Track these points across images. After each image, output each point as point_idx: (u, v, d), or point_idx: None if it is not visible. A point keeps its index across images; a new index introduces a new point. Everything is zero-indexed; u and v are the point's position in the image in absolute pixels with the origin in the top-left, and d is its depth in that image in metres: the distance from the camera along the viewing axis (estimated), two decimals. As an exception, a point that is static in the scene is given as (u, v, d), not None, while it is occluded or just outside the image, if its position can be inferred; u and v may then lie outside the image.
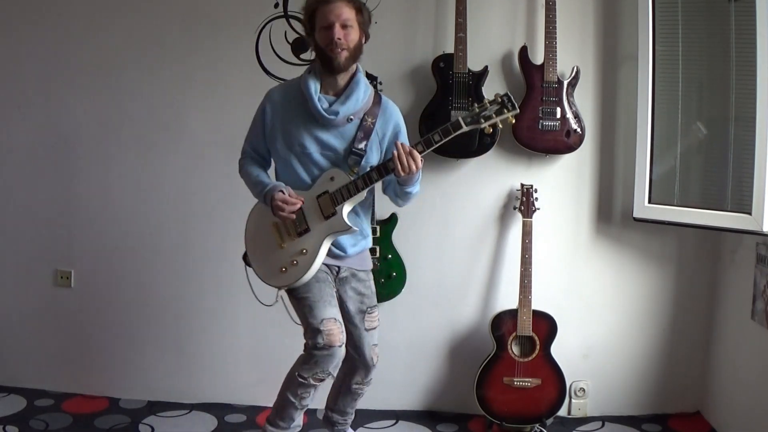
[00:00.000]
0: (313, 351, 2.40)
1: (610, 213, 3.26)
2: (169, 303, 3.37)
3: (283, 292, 2.50)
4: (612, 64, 3.19)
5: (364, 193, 2.44)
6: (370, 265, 2.68)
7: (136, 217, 3.33)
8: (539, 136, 3.07)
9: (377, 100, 2.50)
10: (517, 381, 3.10)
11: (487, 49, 3.14)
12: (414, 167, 2.32)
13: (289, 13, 3.20)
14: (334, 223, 2.43)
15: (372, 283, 2.67)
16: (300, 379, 2.46)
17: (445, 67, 3.06)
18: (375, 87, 3.09)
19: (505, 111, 2.33)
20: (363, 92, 2.46)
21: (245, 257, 2.56)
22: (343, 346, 2.44)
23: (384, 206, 3.19)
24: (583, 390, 3.32)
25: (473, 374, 3.16)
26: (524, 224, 3.10)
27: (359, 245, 2.58)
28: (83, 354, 3.42)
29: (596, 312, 3.31)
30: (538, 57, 3.09)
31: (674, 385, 3.34)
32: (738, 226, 2.75)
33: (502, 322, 3.12)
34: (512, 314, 3.11)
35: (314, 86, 2.42)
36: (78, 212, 3.36)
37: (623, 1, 3.13)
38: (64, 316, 3.41)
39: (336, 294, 2.55)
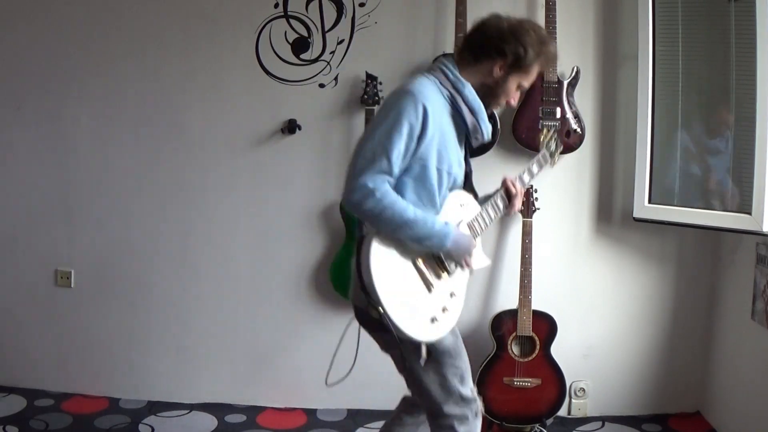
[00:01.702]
0: (476, 422, 2.11)
1: (610, 213, 3.26)
2: (169, 303, 3.37)
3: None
4: (612, 64, 3.19)
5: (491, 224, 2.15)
6: None
7: (137, 217, 3.33)
8: (539, 136, 3.06)
9: None
10: (517, 381, 3.10)
11: (487, 49, 3.14)
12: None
13: (289, 13, 3.20)
14: (478, 258, 2.12)
15: None
16: None
17: (445, 67, 3.06)
18: (375, 86, 3.09)
19: (558, 148, 2.45)
20: None
21: (378, 308, 1.91)
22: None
23: (384, 206, 3.19)
24: (583, 390, 3.32)
25: (473, 374, 3.15)
26: (524, 224, 3.10)
27: None
28: (83, 354, 3.42)
29: (596, 312, 3.31)
30: (538, 57, 3.08)
31: (674, 385, 3.34)
32: (738, 226, 2.75)
33: (502, 322, 3.12)
34: (512, 314, 3.11)
35: (479, 100, 2.06)
36: (78, 212, 3.36)
37: (623, 1, 3.13)
38: (64, 316, 3.41)
39: None
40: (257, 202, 3.28)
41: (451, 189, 2.07)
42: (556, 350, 3.13)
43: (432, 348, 2.01)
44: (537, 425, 3.14)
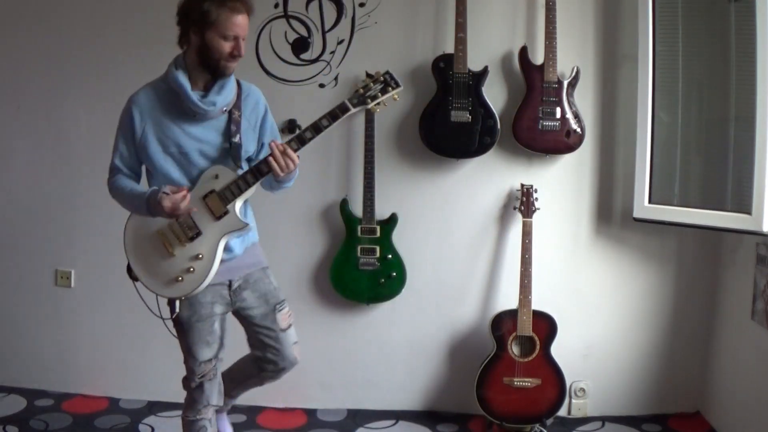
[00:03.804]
0: (194, 390, 2.52)
1: (610, 213, 3.26)
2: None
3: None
4: (612, 64, 3.19)
5: (254, 189, 2.34)
6: (264, 260, 2.55)
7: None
8: (539, 137, 3.07)
9: (239, 89, 2.41)
10: (517, 381, 3.10)
11: (487, 49, 3.14)
12: (291, 165, 2.27)
13: (289, 13, 3.20)
14: (228, 223, 2.31)
15: (272, 278, 2.55)
16: (193, 415, 2.52)
17: (445, 67, 3.06)
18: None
19: (390, 89, 2.35)
20: (233, 83, 2.37)
21: (129, 271, 2.40)
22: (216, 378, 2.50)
23: (384, 206, 3.19)
24: (583, 390, 3.32)
25: (473, 374, 3.16)
26: (524, 224, 3.10)
27: (246, 239, 2.46)
28: (83, 354, 3.42)
29: (596, 312, 3.31)
30: (538, 57, 3.09)
31: (674, 385, 3.34)
32: (738, 226, 2.75)
33: (502, 322, 3.12)
34: (512, 314, 3.11)
35: (185, 80, 2.29)
36: (78, 212, 3.36)
37: (623, 1, 3.13)
38: (64, 316, 3.41)
39: (233, 312, 2.51)
40: (257, 202, 3.27)
41: (211, 162, 2.33)
42: (556, 350, 3.13)
43: (180, 313, 2.41)
44: (537, 425, 3.14)
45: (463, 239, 3.28)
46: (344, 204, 3.19)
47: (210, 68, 2.29)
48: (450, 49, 3.07)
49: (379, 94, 2.34)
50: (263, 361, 2.59)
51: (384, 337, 3.34)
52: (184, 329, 2.45)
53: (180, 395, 3.37)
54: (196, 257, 2.31)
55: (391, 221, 3.20)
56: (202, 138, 2.33)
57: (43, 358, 3.44)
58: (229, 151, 2.33)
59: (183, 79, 2.29)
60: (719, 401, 3.22)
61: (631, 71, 3.06)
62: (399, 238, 3.21)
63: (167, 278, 2.33)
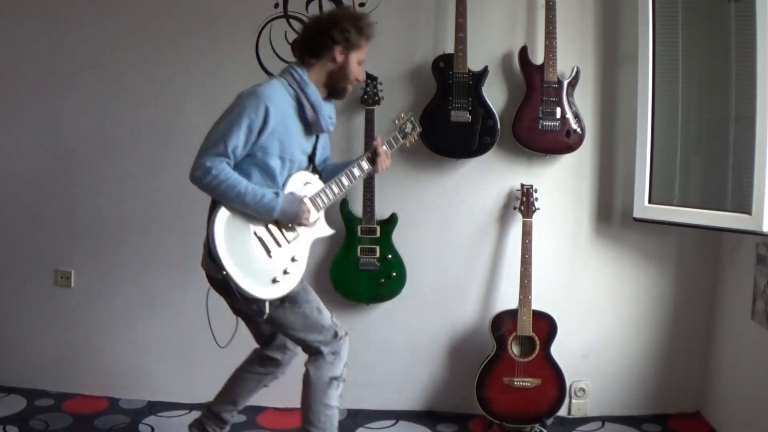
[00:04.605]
0: (340, 342, 2.51)
1: (610, 213, 3.26)
2: (169, 303, 3.38)
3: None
4: (612, 64, 3.19)
5: (344, 194, 2.50)
6: None
7: (136, 217, 3.33)
8: (539, 136, 3.07)
9: None
10: (517, 381, 3.10)
11: (487, 49, 3.14)
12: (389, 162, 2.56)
13: (289, 13, 3.20)
14: (319, 228, 2.46)
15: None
16: (337, 381, 2.52)
17: (445, 67, 3.06)
18: (375, 86, 3.10)
19: (414, 130, 2.68)
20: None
21: (223, 272, 2.27)
22: None
23: (384, 206, 3.19)
24: (583, 390, 3.32)
25: (473, 374, 3.16)
26: (524, 224, 3.10)
27: None
28: (83, 354, 3.42)
29: (596, 312, 3.31)
30: (538, 57, 3.09)
31: (674, 385, 3.34)
32: (738, 226, 2.75)
33: (502, 322, 3.12)
34: (512, 314, 3.11)
35: (321, 99, 2.41)
36: (78, 212, 3.36)
37: (623, 1, 3.13)
38: (64, 316, 3.41)
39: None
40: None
41: (298, 170, 2.42)
42: (556, 350, 3.13)
43: (290, 299, 2.40)
44: (537, 425, 3.14)
45: (463, 239, 3.28)
46: (344, 204, 3.19)
47: (335, 89, 2.44)
48: (450, 49, 3.07)
49: (410, 132, 2.68)
50: (270, 361, 2.70)
51: (384, 337, 3.34)
52: (301, 299, 2.46)
53: (180, 395, 3.39)
54: (292, 259, 2.38)
55: (391, 221, 3.20)
56: (306, 150, 2.46)
57: (43, 358, 3.44)
58: (310, 161, 2.49)
59: (319, 97, 2.40)
60: (719, 401, 3.22)
61: (631, 71, 3.06)
62: (399, 238, 3.21)
63: (265, 279, 2.32)
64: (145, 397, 3.39)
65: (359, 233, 3.16)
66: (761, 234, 2.68)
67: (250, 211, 2.30)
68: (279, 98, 2.33)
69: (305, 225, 2.38)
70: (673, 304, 3.30)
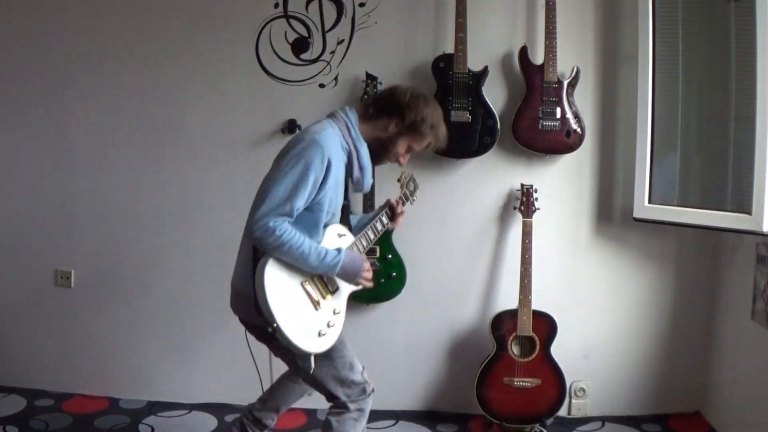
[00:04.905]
0: (367, 399, 2.42)
1: (610, 213, 3.26)
2: (169, 303, 3.37)
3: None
4: (612, 64, 3.19)
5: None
6: None
7: (136, 217, 3.33)
8: (539, 136, 3.07)
9: None
10: (517, 381, 3.10)
11: (487, 49, 3.14)
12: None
13: (289, 13, 3.20)
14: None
15: None
16: None
17: (445, 67, 3.06)
18: (375, 86, 3.10)
19: (416, 189, 2.74)
20: None
21: (273, 325, 2.15)
22: None
23: (384, 206, 3.19)
24: (583, 390, 3.32)
25: (473, 374, 3.16)
26: (524, 224, 3.10)
27: None
28: (83, 354, 3.42)
29: (596, 312, 3.31)
30: (538, 57, 3.09)
31: (674, 385, 3.34)
32: (738, 226, 2.75)
33: (502, 322, 3.12)
34: (512, 314, 3.11)
35: (369, 159, 2.38)
36: (78, 212, 3.36)
37: (623, 1, 3.13)
38: (64, 316, 3.41)
39: None
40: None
41: (334, 221, 2.40)
42: (556, 350, 3.13)
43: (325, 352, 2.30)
44: (537, 425, 3.14)
45: (463, 239, 3.28)
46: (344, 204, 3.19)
47: (373, 155, 2.39)
48: (450, 49, 3.07)
49: (414, 190, 2.74)
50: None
51: (384, 337, 3.34)
52: (335, 355, 2.37)
53: (179, 395, 3.38)
54: (335, 312, 2.34)
55: (391, 221, 3.19)
56: (342, 203, 2.43)
57: (43, 358, 3.44)
58: (343, 212, 2.47)
59: (369, 158, 2.37)
60: (719, 401, 3.22)
61: (631, 71, 3.06)
62: (399, 238, 3.21)
63: (313, 332, 2.25)
64: (145, 397, 3.39)
65: (359, 233, 3.16)
66: (761, 234, 2.68)
67: (310, 270, 2.25)
68: (336, 151, 2.26)
69: (365, 281, 2.35)
70: (673, 304, 3.30)
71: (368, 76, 3.10)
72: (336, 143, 2.27)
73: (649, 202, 3.01)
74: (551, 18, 3.00)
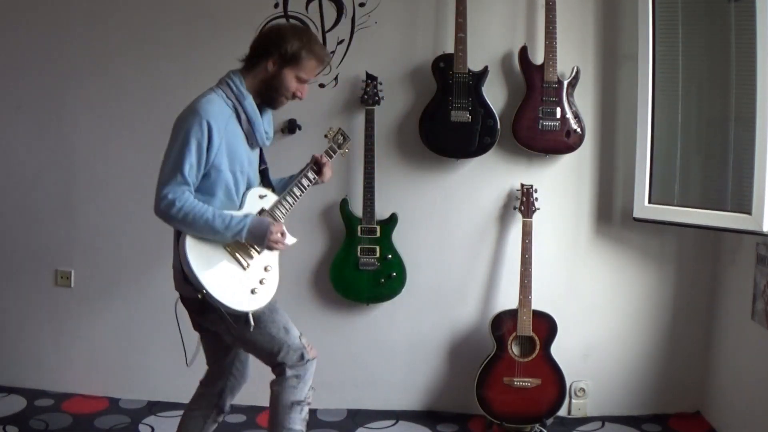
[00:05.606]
0: (306, 365, 2.44)
1: (610, 213, 3.26)
2: (169, 303, 3.36)
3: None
4: (612, 64, 3.19)
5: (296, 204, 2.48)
6: None
7: (136, 217, 3.33)
8: (539, 136, 3.07)
9: None
10: (517, 381, 3.10)
11: (487, 49, 3.14)
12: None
13: (289, 13, 3.20)
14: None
15: None
16: (300, 406, 2.43)
17: (445, 67, 3.06)
18: (375, 86, 3.10)
19: (346, 141, 2.64)
20: (271, 113, 2.49)
21: (202, 291, 2.23)
22: None
23: (384, 206, 3.19)
24: (583, 390, 3.32)
25: (473, 374, 3.16)
26: (524, 224, 3.10)
27: None
28: (83, 354, 3.42)
29: (596, 312, 3.31)
30: (538, 57, 3.09)
31: (674, 385, 3.34)
32: (738, 226, 2.75)
33: (502, 322, 3.12)
34: (512, 314, 3.11)
35: (257, 112, 2.37)
36: (78, 212, 3.36)
37: (623, 1, 3.13)
38: (64, 316, 3.41)
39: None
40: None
41: (249, 186, 2.40)
42: (556, 350, 3.13)
43: (253, 315, 2.33)
44: (537, 425, 3.14)
45: (463, 239, 3.28)
46: (344, 204, 3.19)
47: (266, 98, 2.39)
48: (450, 49, 3.07)
49: (343, 144, 2.64)
50: (222, 389, 2.60)
51: (384, 337, 3.34)
52: (266, 319, 2.39)
53: (179, 395, 3.38)
54: (266, 269, 2.38)
55: (391, 221, 3.20)
56: (253, 162, 2.43)
57: (43, 358, 3.44)
58: (263, 175, 2.49)
59: (256, 109, 2.36)
60: (719, 401, 3.22)
61: (631, 71, 3.06)
62: (399, 238, 3.21)
63: (244, 292, 2.30)
64: (145, 397, 3.39)
65: (359, 233, 3.16)
66: (761, 234, 2.68)
67: (219, 238, 2.27)
68: (218, 111, 2.28)
69: (276, 244, 2.33)
70: (673, 304, 3.30)
71: (368, 76, 3.10)
72: (217, 105, 2.29)
73: (649, 202, 3.01)
74: (551, 18, 3.00)
